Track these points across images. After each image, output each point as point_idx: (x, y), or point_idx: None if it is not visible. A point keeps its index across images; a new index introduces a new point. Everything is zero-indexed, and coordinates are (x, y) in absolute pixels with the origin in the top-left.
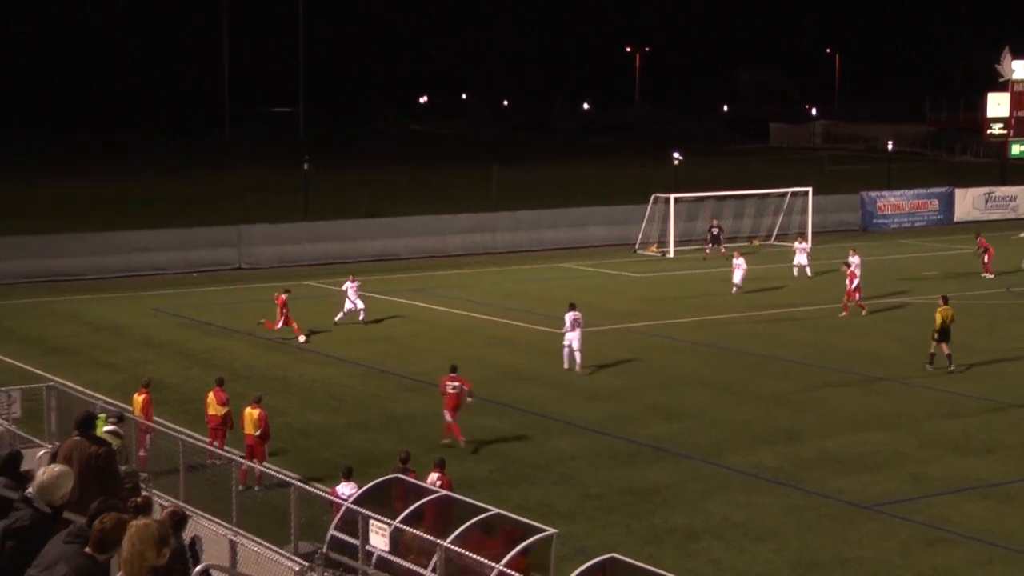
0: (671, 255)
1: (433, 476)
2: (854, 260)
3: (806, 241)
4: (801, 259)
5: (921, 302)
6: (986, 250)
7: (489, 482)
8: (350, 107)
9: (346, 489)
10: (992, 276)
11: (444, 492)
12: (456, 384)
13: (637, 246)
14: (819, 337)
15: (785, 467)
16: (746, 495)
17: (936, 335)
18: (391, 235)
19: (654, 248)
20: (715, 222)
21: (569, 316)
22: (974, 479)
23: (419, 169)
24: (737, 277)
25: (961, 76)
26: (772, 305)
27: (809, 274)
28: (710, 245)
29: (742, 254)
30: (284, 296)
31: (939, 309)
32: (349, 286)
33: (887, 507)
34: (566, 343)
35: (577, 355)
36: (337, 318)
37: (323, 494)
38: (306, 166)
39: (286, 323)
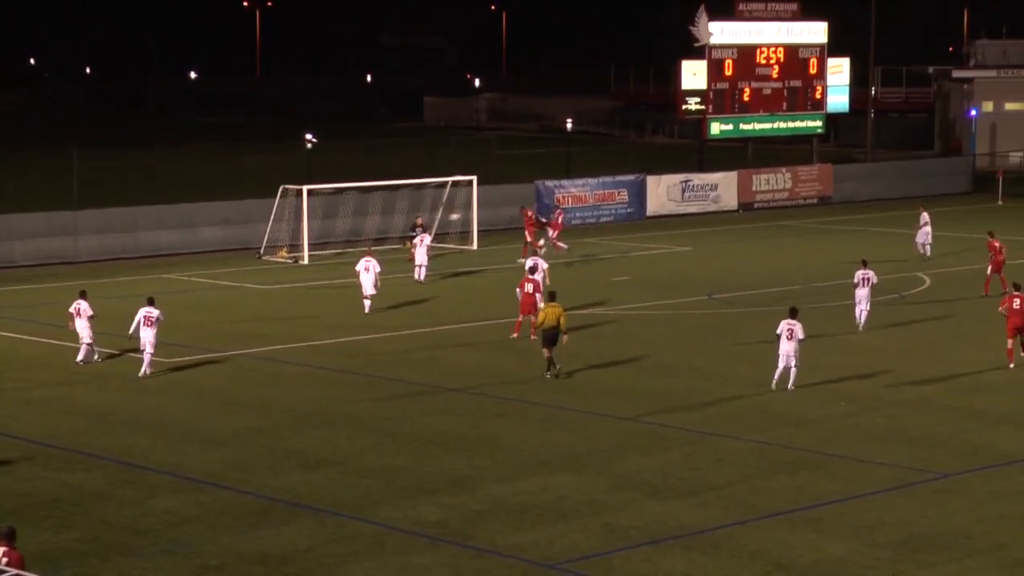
0: (305, 261)
1: None
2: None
3: (427, 233)
4: (420, 256)
5: (615, 314)
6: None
7: (74, 555)
8: None
9: None
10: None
11: (14, 571)
12: None
13: (262, 251)
14: (488, 360)
15: (451, 521)
16: (402, 557)
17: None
18: None
19: (284, 253)
20: (419, 220)
21: (142, 312)
22: (675, 526)
23: None
24: (368, 286)
25: (649, 41)
26: (432, 321)
27: (420, 277)
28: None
29: (372, 253)
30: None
31: (543, 308)
32: (82, 306)
33: (574, 564)
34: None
35: (147, 356)
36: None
37: None
38: None
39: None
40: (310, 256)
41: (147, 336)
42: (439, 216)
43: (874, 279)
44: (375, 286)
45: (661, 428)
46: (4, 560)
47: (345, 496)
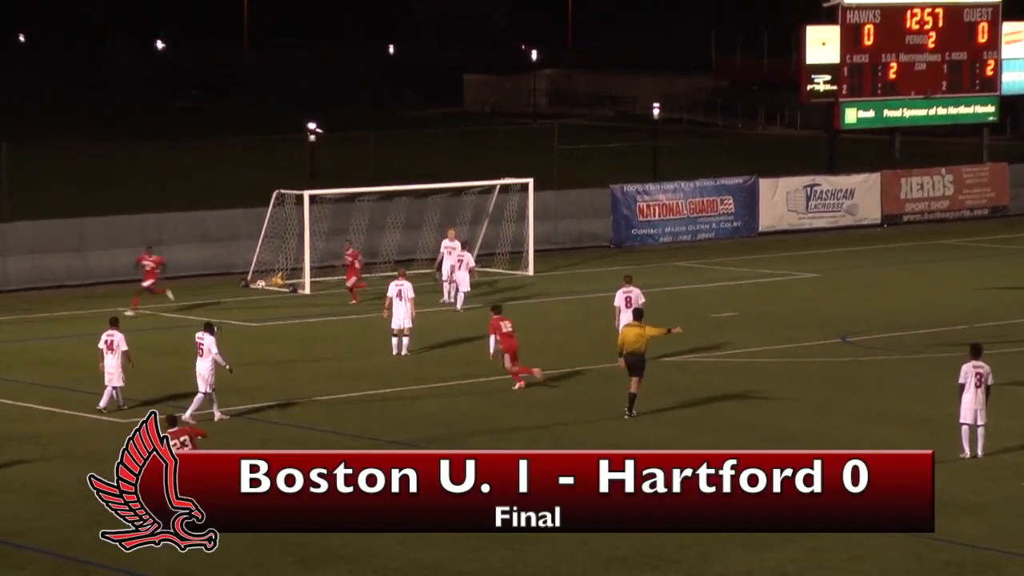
0: (306, 291)
1: None
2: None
3: (467, 251)
4: (461, 275)
5: (716, 362)
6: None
7: None
8: None
9: None
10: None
11: None
12: None
13: (250, 276)
14: (547, 418)
15: None
16: None
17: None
18: None
19: (279, 279)
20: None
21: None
22: None
23: None
24: (399, 318)
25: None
26: (475, 370)
27: (459, 304)
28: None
29: (405, 275)
30: None
31: (624, 327)
32: (115, 338)
33: None
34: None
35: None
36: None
37: None
38: None
39: None
40: (313, 284)
41: (201, 368)
42: (482, 231)
43: None
44: (411, 318)
45: None
46: None
47: None
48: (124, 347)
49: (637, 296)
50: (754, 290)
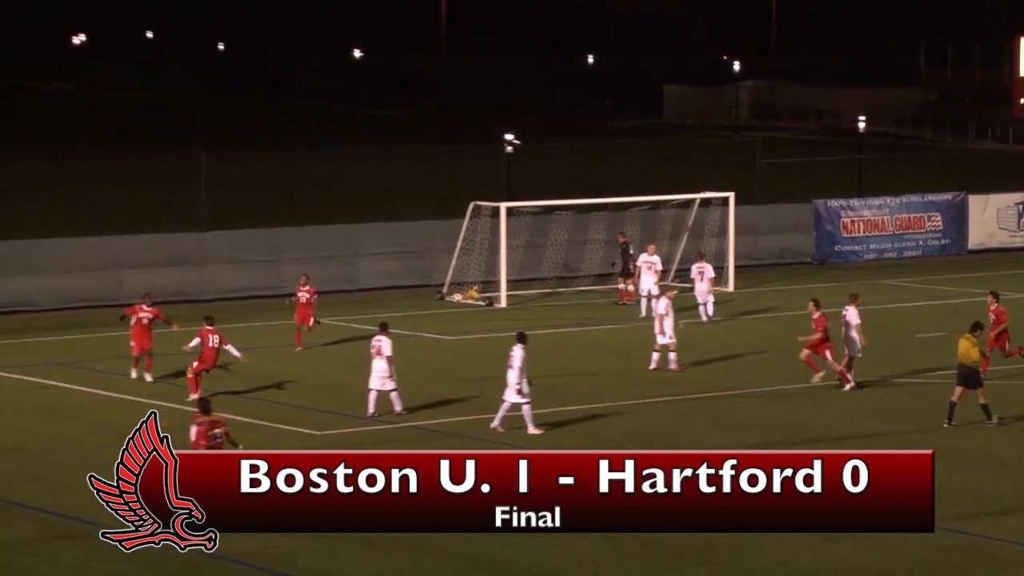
0: (502, 304)
1: None
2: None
3: (706, 262)
4: (703, 291)
5: (921, 384)
6: None
7: None
8: None
9: None
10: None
11: None
12: None
13: (446, 289)
14: (743, 439)
15: None
16: None
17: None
18: (20, 270)
19: (474, 292)
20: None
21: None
22: None
23: (63, 157)
24: (666, 332)
25: (975, 9)
26: (673, 387)
27: (706, 316)
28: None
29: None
30: None
31: (963, 337)
32: (383, 343)
33: None
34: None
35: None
36: None
37: None
38: None
39: None
40: (509, 296)
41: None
42: (681, 245)
43: None
44: (663, 334)
45: (985, 541)
46: None
47: None
48: (389, 352)
49: (853, 316)
50: (963, 311)
